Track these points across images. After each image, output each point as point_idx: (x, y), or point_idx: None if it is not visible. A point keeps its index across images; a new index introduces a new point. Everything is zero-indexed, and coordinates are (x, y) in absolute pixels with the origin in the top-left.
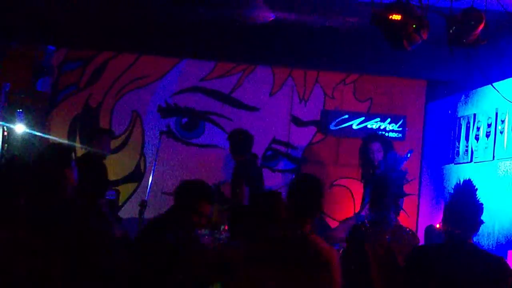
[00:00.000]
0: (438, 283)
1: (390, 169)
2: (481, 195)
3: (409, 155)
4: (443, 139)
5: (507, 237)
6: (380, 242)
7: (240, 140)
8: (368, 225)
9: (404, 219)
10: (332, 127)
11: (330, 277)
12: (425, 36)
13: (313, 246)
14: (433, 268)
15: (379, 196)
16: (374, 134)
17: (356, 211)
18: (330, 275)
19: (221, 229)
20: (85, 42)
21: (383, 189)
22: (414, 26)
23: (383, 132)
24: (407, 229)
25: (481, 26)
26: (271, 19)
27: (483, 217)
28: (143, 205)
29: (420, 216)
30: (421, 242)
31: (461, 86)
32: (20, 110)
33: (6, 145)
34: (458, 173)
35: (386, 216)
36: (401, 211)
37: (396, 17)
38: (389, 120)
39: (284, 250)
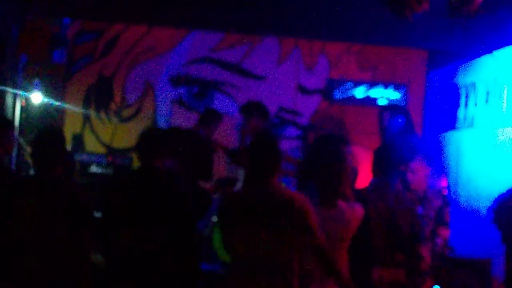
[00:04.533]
0: None
1: (398, 134)
2: (481, 160)
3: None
4: (444, 106)
5: None
6: (382, 206)
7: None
8: (371, 189)
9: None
10: (336, 95)
11: (303, 220)
12: (426, 6)
13: (279, 195)
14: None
15: (382, 161)
16: (392, 105)
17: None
18: (303, 218)
19: None
20: (99, 14)
21: (386, 154)
22: None
23: (386, 100)
24: (409, 194)
25: None
26: None
27: (483, 182)
28: None
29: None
30: None
31: (461, 55)
32: (37, 80)
33: (24, 114)
34: (457, 139)
35: (389, 181)
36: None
37: None
38: (391, 88)
39: (252, 204)
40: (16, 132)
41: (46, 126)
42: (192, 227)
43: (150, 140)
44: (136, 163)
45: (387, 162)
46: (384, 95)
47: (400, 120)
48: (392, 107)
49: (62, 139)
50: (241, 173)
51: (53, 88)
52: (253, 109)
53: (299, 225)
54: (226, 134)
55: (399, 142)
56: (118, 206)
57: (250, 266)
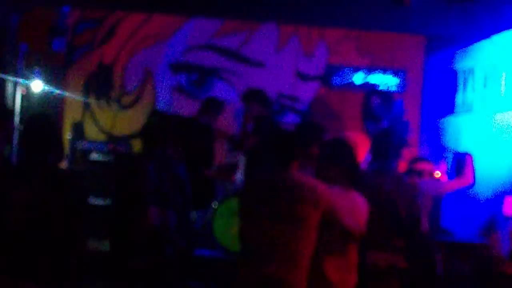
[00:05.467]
0: None
1: (395, 120)
2: (479, 145)
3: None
4: (442, 92)
5: (504, 184)
6: (380, 190)
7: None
8: (370, 174)
9: (404, 169)
10: (336, 82)
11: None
12: None
13: (297, 182)
14: None
15: (382, 146)
16: (374, 89)
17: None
18: (315, 206)
19: None
20: (98, 2)
21: (386, 139)
22: None
23: (385, 86)
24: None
25: None
26: None
27: (481, 166)
28: None
29: None
30: None
31: (459, 40)
32: (37, 68)
33: (25, 102)
34: (456, 124)
35: (388, 166)
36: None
37: None
38: (390, 74)
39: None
40: (17, 121)
41: (36, 113)
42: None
43: (155, 128)
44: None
45: (387, 146)
46: (383, 81)
47: (393, 105)
48: (381, 91)
49: (52, 125)
50: (241, 160)
51: (53, 76)
52: (253, 96)
53: (318, 214)
54: (226, 120)
55: (397, 126)
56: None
57: (263, 253)
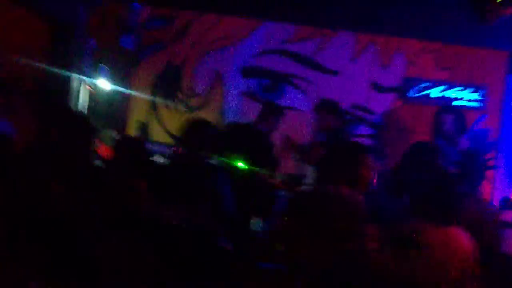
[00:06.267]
0: None
1: (476, 140)
2: None
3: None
4: None
5: None
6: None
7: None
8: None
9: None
10: (412, 94)
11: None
12: (510, 11)
13: (339, 197)
14: None
15: (465, 168)
16: (446, 106)
17: None
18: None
19: None
20: (170, 0)
21: (469, 160)
22: (499, 0)
23: (464, 102)
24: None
25: None
26: None
27: None
28: None
29: (496, 188)
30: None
31: None
32: (104, 66)
33: (93, 102)
34: None
35: (472, 189)
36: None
37: None
38: (470, 89)
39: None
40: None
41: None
42: None
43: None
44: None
45: (471, 168)
46: (461, 96)
47: (466, 123)
48: (453, 108)
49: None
50: (310, 170)
51: (121, 74)
52: (327, 107)
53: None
54: (297, 129)
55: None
56: None
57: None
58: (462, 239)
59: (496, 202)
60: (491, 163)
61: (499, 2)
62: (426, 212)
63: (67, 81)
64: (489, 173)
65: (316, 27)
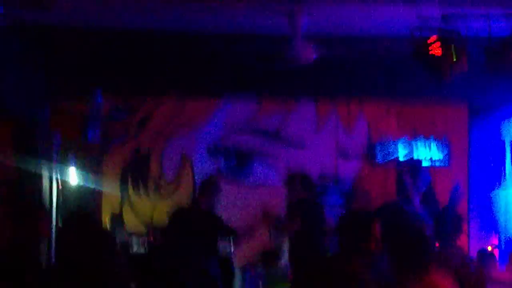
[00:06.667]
0: None
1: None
2: None
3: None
4: (488, 161)
5: None
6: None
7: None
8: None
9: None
10: (378, 158)
11: None
12: (465, 67)
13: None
14: None
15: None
16: (409, 165)
17: None
18: None
19: None
20: (131, 91)
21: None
22: (454, 59)
23: (429, 159)
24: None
25: None
26: (314, 59)
27: None
28: None
29: (471, 240)
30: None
31: (503, 107)
32: (72, 162)
33: (61, 197)
34: (505, 195)
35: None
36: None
37: (437, 51)
38: (434, 146)
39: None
40: (54, 216)
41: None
42: None
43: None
44: None
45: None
46: (427, 155)
47: (422, 177)
48: (407, 164)
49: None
50: (286, 244)
51: (89, 168)
52: (295, 180)
53: None
54: (268, 205)
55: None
56: None
57: None
58: (446, 284)
59: (473, 254)
60: (463, 216)
61: (455, 60)
62: (405, 262)
63: (36, 180)
64: (463, 226)
65: (278, 100)
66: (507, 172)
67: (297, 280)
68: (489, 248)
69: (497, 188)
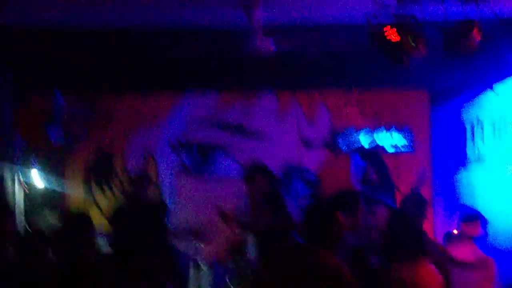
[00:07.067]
0: None
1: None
2: (492, 197)
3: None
4: (451, 145)
5: None
6: None
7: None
8: None
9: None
10: (342, 146)
11: None
12: (423, 51)
13: (321, 259)
14: None
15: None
16: (366, 151)
17: None
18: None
19: None
20: (91, 88)
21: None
22: (412, 44)
23: (392, 145)
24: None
25: (475, 35)
26: (273, 51)
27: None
28: None
29: (436, 223)
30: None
31: (463, 91)
32: (35, 163)
33: (27, 199)
34: (468, 177)
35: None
36: None
37: (395, 38)
38: (396, 133)
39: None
40: (20, 217)
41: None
42: None
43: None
44: None
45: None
46: (390, 141)
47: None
48: (364, 151)
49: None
50: (251, 239)
51: (52, 166)
52: (259, 172)
53: None
54: (232, 198)
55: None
56: None
57: None
58: (432, 272)
59: (439, 238)
60: (427, 201)
61: (412, 46)
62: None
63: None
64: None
65: (239, 93)
66: (469, 155)
67: (260, 271)
68: (455, 232)
69: (461, 172)
